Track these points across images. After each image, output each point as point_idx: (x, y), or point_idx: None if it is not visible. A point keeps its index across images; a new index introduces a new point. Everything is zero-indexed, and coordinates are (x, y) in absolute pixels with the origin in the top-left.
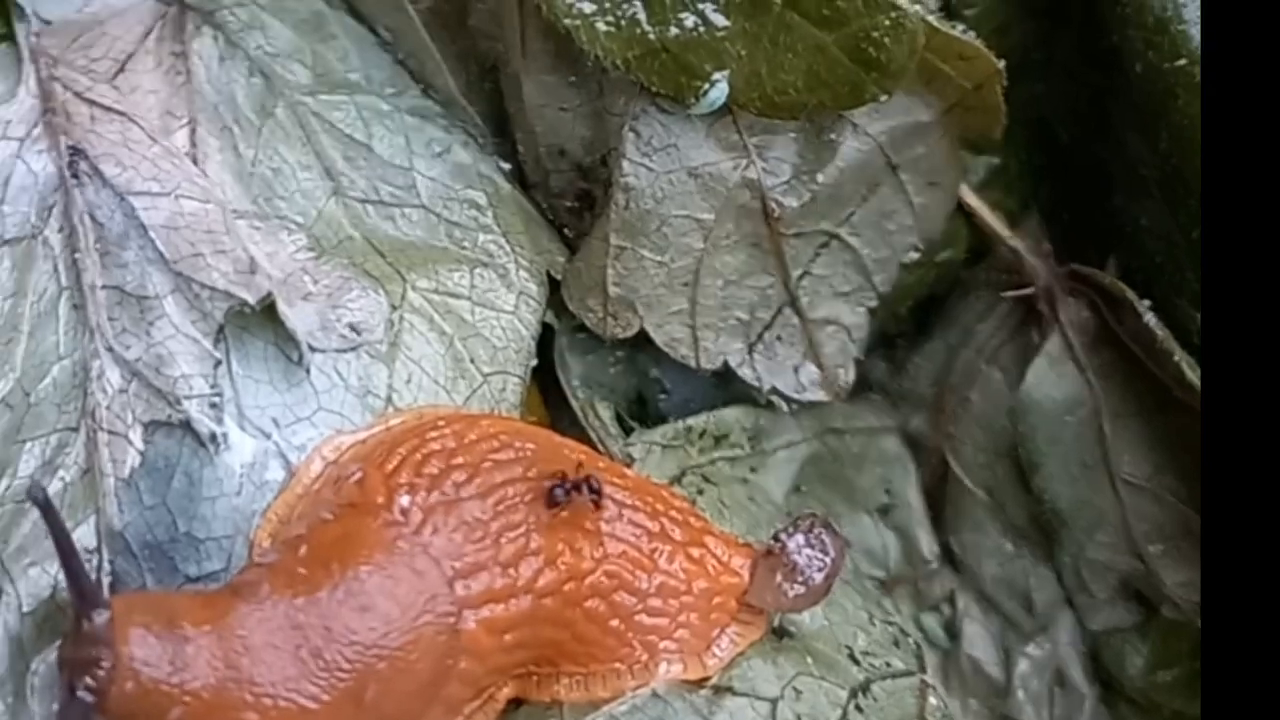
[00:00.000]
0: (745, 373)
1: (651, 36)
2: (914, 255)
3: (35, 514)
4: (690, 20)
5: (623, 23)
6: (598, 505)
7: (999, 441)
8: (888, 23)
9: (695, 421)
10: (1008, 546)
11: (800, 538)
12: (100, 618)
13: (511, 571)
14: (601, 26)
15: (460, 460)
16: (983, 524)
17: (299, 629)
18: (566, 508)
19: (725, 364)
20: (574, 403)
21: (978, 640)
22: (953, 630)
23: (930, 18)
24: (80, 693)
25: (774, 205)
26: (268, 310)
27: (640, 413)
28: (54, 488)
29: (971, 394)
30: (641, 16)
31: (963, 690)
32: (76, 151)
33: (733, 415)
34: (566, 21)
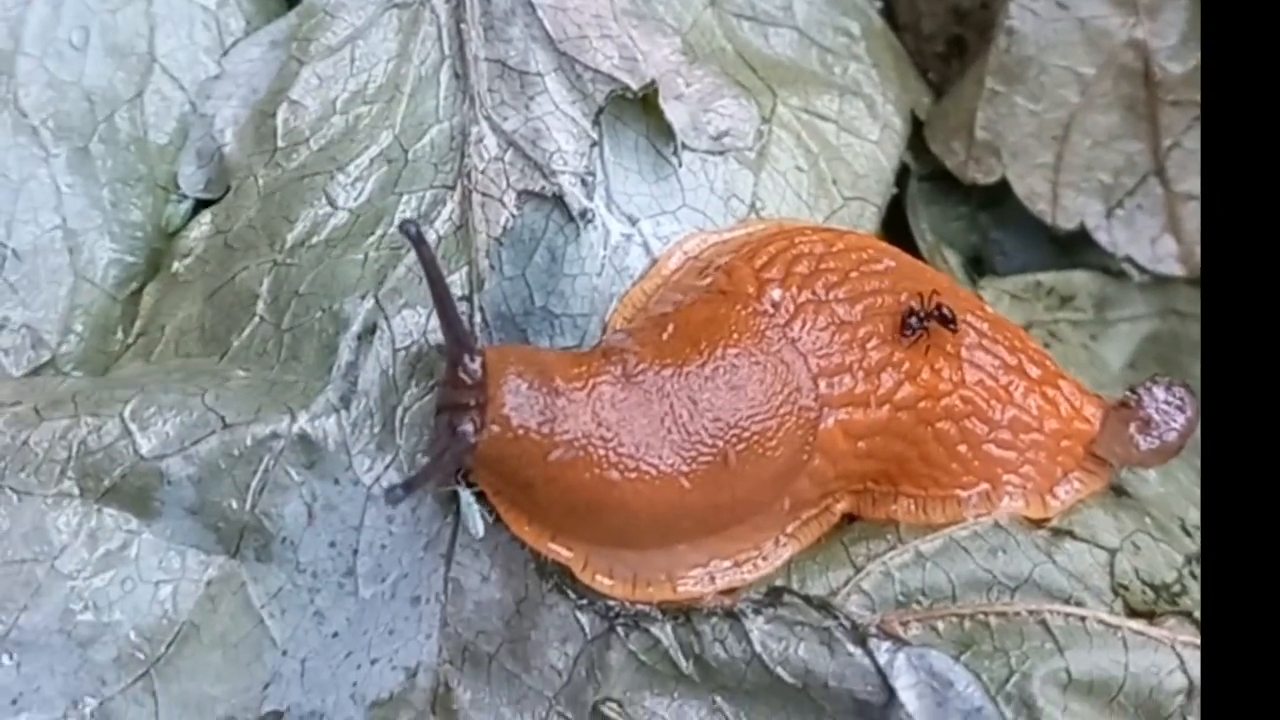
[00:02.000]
0: (1101, 237)
1: None
2: None
3: (410, 258)
4: None
5: None
6: (953, 333)
7: None
8: None
9: (1044, 278)
10: None
11: (1161, 392)
12: (474, 364)
13: (874, 379)
14: None
15: (830, 265)
16: None
17: (666, 398)
18: (920, 335)
19: (1081, 225)
20: (921, 245)
21: None
22: None
23: None
24: (460, 430)
25: (1157, 69)
26: (644, 102)
27: (976, 271)
28: (428, 239)
29: None
30: None
31: None
32: None
33: (1080, 279)
34: None
